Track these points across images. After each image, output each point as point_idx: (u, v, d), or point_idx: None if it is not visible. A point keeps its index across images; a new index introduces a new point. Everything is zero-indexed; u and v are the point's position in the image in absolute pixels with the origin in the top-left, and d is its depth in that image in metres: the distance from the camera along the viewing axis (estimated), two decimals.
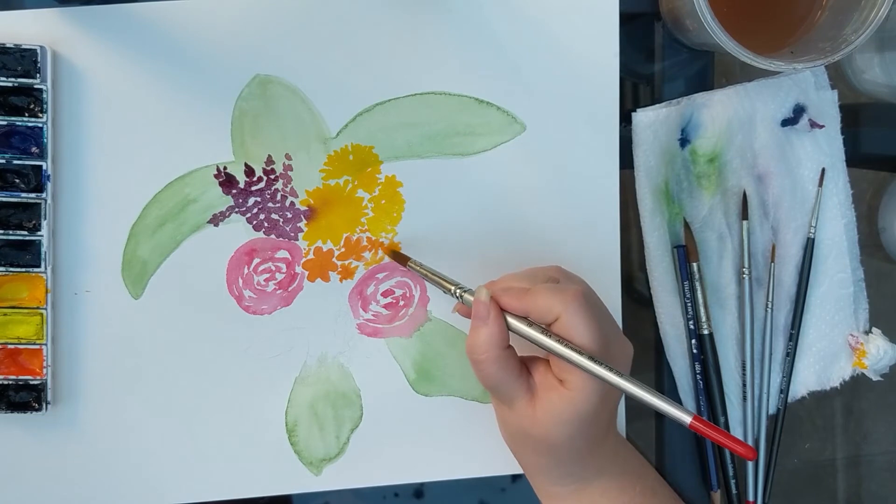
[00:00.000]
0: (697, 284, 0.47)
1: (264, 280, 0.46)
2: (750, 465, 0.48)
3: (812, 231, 0.48)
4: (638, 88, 0.48)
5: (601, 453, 0.42)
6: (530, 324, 0.39)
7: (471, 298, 0.41)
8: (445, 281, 0.43)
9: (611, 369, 0.37)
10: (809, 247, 0.48)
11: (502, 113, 0.46)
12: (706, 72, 0.48)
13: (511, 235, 0.47)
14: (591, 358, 0.37)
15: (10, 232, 0.44)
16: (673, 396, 0.49)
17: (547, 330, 0.39)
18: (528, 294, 0.39)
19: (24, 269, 0.44)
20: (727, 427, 0.48)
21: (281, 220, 0.46)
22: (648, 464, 0.46)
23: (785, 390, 0.49)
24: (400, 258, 0.45)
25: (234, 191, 0.46)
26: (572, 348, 0.37)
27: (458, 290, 0.42)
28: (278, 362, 0.47)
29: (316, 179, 0.46)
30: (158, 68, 0.45)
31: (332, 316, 0.47)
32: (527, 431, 0.40)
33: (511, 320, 0.39)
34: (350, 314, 0.47)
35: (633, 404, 0.48)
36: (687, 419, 0.34)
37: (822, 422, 0.52)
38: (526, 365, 0.41)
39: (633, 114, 0.46)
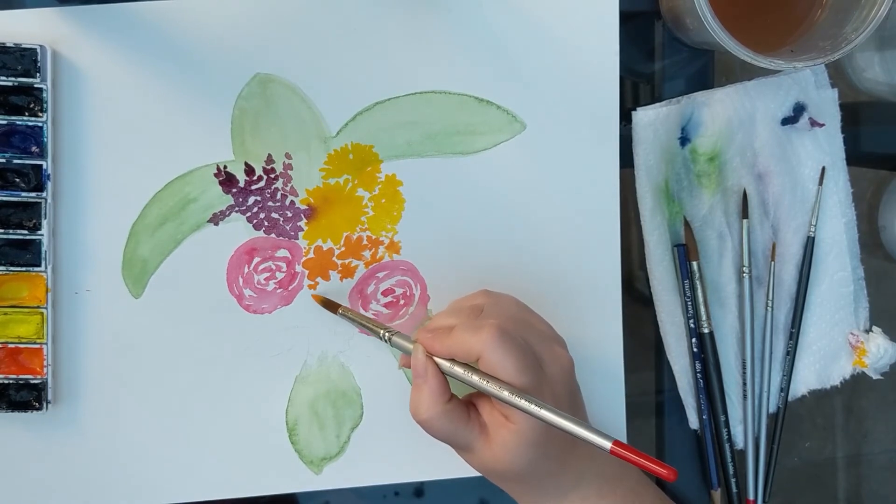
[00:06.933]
0: (698, 283, 0.47)
1: (264, 279, 0.46)
2: (750, 463, 0.48)
3: (812, 230, 0.48)
4: (638, 87, 0.48)
5: (573, 464, 0.41)
6: (460, 365, 0.38)
7: (402, 343, 0.40)
8: (375, 325, 0.43)
9: (532, 401, 0.36)
10: (810, 245, 0.48)
11: (502, 112, 0.46)
12: (706, 70, 0.48)
13: (511, 234, 0.47)
14: (515, 392, 0.36)
15: (11, 231, 0.44)
16: (673, 395, 0.49)
17: (475, 368, 0.38)
18: (449, 336, 0.38)
19: (24, 269, 0.44)
20: (727, 426, 0.48)
21: (281, 219, 0.46)
22: (630, 465, 0.45)
23: (785, 389, 0.49)
24: (330, 306, 0.45)
25: (234, 190, 0.46)
26: (500, 385, 0.37)
27: (386, 334, 0.41)
28: (279, 361, 0.47)
29: (316, 178, 0.46)
30: (158, 68, 0.45)
31: (332, 315, 0.47)
32: (491, 468, 0.40)
33: (444, 365, 0.39)
34: None
35: (633, 402, 0.48)
36: (607, 445, 0.34)
37: (822, 420, 0.52)
38: (473, 404, 0.40)
39: (634, 112, 0.46)
